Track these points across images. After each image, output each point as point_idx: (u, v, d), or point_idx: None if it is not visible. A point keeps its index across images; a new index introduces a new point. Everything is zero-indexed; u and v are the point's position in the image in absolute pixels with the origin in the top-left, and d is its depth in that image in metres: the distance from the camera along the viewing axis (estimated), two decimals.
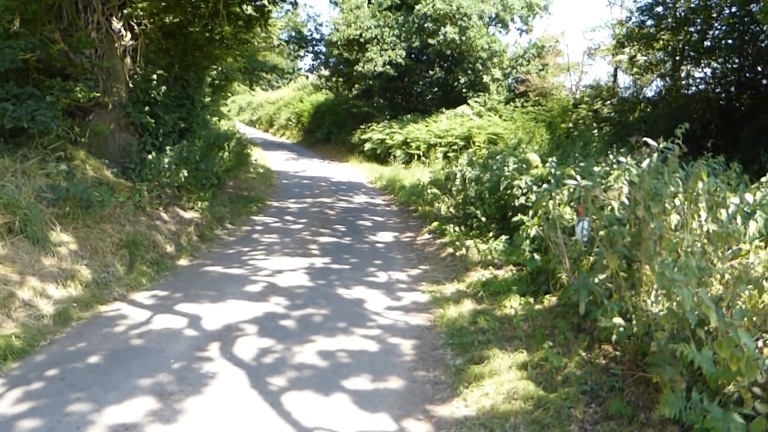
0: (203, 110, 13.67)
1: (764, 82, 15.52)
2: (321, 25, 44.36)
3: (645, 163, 5.28)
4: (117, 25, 9.22)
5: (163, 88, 10.15)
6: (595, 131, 17.40)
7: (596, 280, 4.44)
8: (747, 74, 15.75)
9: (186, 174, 9.69)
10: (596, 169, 7.47)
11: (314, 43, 29.69)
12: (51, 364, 4.47)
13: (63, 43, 8.06)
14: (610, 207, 4.57)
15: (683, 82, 18.18)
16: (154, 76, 9.91)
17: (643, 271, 3.93)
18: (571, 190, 6.11)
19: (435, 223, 10.37)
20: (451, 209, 11.27)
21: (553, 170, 7.40)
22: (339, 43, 24.37)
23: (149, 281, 6.82)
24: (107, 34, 9.05)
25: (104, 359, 4.58)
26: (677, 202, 4.25)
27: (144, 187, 8.58)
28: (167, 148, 9.93)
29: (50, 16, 8.32)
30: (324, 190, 15.86)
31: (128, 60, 9.75)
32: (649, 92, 19.75)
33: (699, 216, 4.33)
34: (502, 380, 4.03)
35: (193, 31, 11.97)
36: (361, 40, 23.47)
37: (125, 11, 9.32)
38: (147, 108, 9.78)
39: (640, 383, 3.57)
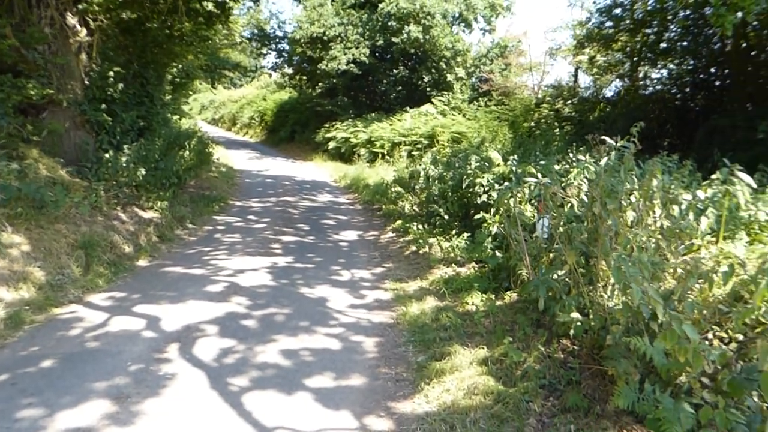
0: (163, 108, 13.45)
1: (717, 83, 16.00)
2: (284, 22, 44.09)
3: (603, 161, 5.40)
4: (71, 20, 8.99)
5: (121, 85, 9.94)
6: (557, 130, 17.69)
7: (555, 276, 4.52)
8: (701, 75, 16.22)
9: (144, 173, 9.50)
10: (556, 167, 7.61)
11: (277, 40, 29.43)
12: (1, 369, 4.32)
13: (14, 39, 7.83)
14: (569, 204, 4.64)
15: (641, 82, 18.62)
16: (111, 73, 9.71)
17: (599, 266, 4.00)
18: (532, 188, 6.22)
19: (399, 222, 10.39)
20: (415, 207, 11.31)
21: (514, 168, 7.49)
22: (302, 41, 24.21)
23: (106, 282, 6.66)
24: (61, 29, 8.81)
25: (58, 363, 4.45)
26: (633, 199, 4.35)
27: (101, 186, 8.37)
28: (125, 146, 9.73)
29: (1, 10, 8.06)
30: (287, 189, 15.75)
31: (84, 56, 9.52)
32: (609, 92, 20.18)
33: (654, 212, 4.43)
34: (463, 376, 4.06)
35: (152, 27, 11.76)
36: (325, 38, 23.37)
37: (80, 6, 9.10)
38: (104, 106, 9.57)
39: (597, 376, 3.64)
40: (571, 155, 7.87)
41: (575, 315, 3.86)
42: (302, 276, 7.24)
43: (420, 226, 9.38)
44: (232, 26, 18.33)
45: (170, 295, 6.23)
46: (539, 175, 6.05)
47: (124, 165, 9.19)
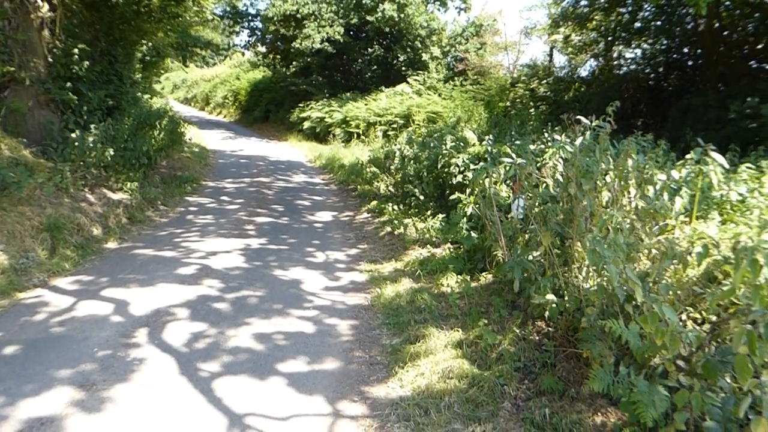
0: (133, 87, 13.11)
1: (690, 63, 16.10)
2: (256, 1, 43.28)
3: (578, 141, 5.36)
4: None
5: (87, 63, 9.63)
6: (532, 110, 17.70)
7: (530, 258, 4.49)
8: (674, 55, 16.31)
9: (113, 153, 9.25)
10: (531, 147, 7.57)
11: (250, 18, 28.87)
12: None
13: None
14: (544, 185, 4.60)
15: (615, 62, 18.69)
16: (76, 51, 9.38)
17: (574, 247, 3.97)
18: (507, 168, 6.17)
19: (374, 202, 10.31)
20: (390, 188, 11.23)
21: (489, 148, 7.43)
22: (275, 18, 23.78)
23: (73, 266, 6.48)
24: (21, 4, 8.45)
25: (21, 350, 4.31)
26: (608, 179, 4.32)
27: (66, 167, 8.12)
28: (92, 126, 9.46)
29: None
30: (262, 170, 15.53)
31: (46, 33, 9.17)
32: (583, 72, 20.22)
33: (629, 193, 4.41)
34: (438, 359, 4.02)
35: (119, 3, 11.38)
36: (298, 15, 22.98)
37: None
38: (69, 84, 9.26)
39: (572, 359, 3.62)
40: (546, 135, 7.85)
41: (550, 297, 3.83)
42: (276, 258, 7.14)
43: (395, 207, 9.30)
44: (202, 2, 17.91)
45: (140, 279, 6.08)
46: (514, 156, 6.02)
47: (92, 145, 8.92)
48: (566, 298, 3.97)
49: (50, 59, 9.21)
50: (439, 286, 5.62)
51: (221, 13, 28.28)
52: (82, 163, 8.67)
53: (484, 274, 5.66)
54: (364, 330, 4.94)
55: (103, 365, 4.08)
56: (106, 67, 10.95)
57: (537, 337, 4.06)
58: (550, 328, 4.08)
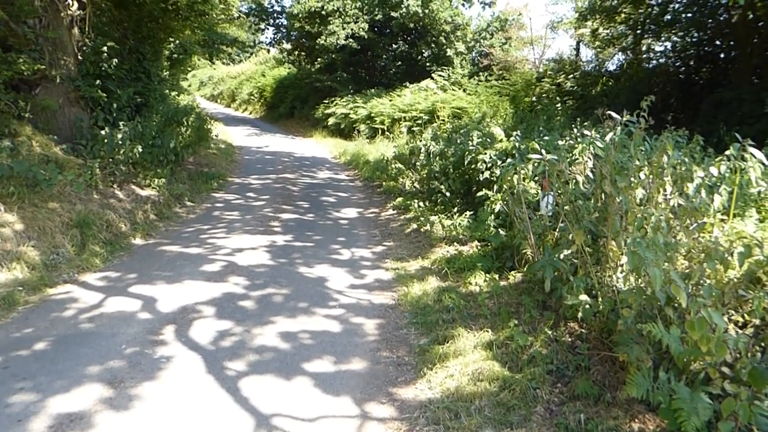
0: (161, 84, 13.23)
1: (722, 56, 15.72)
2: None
3: (609, 137, 5.23)
4: None
5: (116, 60, 9.72)
6: (558, 105, 17.46)
7: (561, 256, 4.38)
8: (706, 48, 15.93)
9: (141, 150, 9.32)
10: (560, 142, 7.43)
11: (275, 15, 28.97)
12: None
13: (2, 12, 7.59)
14: (575, 181, 4.48)
15: (644, 55, 18.33)
16: (105, 48, 9.47)
17: (609, 246, 3.85)
18: (536, 164, 6.05)
19: (399, 199, 10.24)
20: (416, 184, 11.15)
21: (517, 144, 7.31)
22: (300, 15, 23.81)
23: (102, 262, 6.54)
24: (52, 2, 8.55)
25: (51, 346, 4.34)
26: (642, 175, 4.19)
27: (96, 164, 8.20)
28: (121, 123, 9.55)
29: None
30: (287, 166, 15.56)
31: (76, 31, 9.27)
32: (611, 66, 19.90)
33: (664, 190, 4.28)
34: (467, 361, 3.94)
35: (147, 1, 11.47)
36: (323, 12, 22.98)
37: None
38: (98, 82, 9.36)
39: (606, 362, 3.51)
40: (575, 130, 7.69)
41: (584, 297, 3.73)
42: (301, 255, 7.11)
43: (421, 204, 9.23)
44: (229, 0, 17.99)
45: (167, 275, 6.10)
46: (543, 151, 5.90)
47: (120, 142, 9.00)
48: (600, 299, 3.86)
49: (80, 57, 9.31)
50: (467, 284, 5.53)
51: (247, 11, 28.40)
52: (110, 159, 8.75)
53: (513, 272, 5.55)
54: (391, 329, 4.88)
55: (131, 362, 4.08)
56: (134, 64, 11.05)
57: (569, 339, 3.95)
58: (583, 330, 3.96)
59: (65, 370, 3.93)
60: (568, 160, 5.59)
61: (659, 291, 2.82)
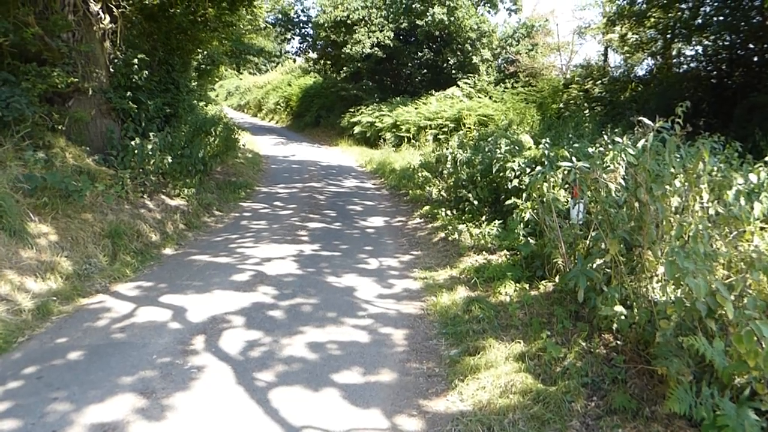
0: (189, 95, 13.40)
1: (755, 59, 15.39)
2: (308, 9, 43.85)
3: (640, 143, 5.13)
4: (95, 7, 8.90)
5: (146, 72, 9.86)
6: (586, 111, 17.26)
7: (594, 266, 4.30)
8: (738, 51, 15.61)
9: (171, 160, 9.44)
10: (590, 149, 7.32)
11: (301, 25, 29.28)
12: (28, 361, 4.27)
13: (38, 27, 7.76)
14: (608, 189, 4.39)
15: (674, 60, 18.04)
16: (136, 60, 9.61)
17: (645, 256, 3.76)
18: (566, 172, 5.96)
19: (426, 207, 10.20)
20: (443, 193, 11.09)
21: (546, 152, 7.22)
22: (326, 25, 24.00)
23: (133, 272, 6.61)
24: (84, 16, 8.72)
25: (85, 356, 4.38)
26: (677, 183, 4.10)
27: (127, 174, 8.32)
28: (151, 134, 9.67)
29: None
30: (313, 175, 15.63)
31: (108, 44, 9.45)
32: (640, 71, 19.62)
33: (701, 198, 4.17)
34: (499, 372, 3.87)
35: (176, 13, 11.65)
36: (349, 21, 23.13)
37: None
38: (129, 93, 9.50)
39: (644, 375, 3.42)
40: (605, 137, 7.58)
41: (619, 308, 3.64)
42: (329, 264, 7.11)
43: (448, 212, 9.17)
44: (256, 11, 18.21)
45: (196, 285, 6.15)
46: (574, 159, 5.81)
47: (150, 152, 9.12)
48: (635, 310, 3.77)
49: (111, 69, 9.47)
50: (496, 294, 5.45)
51: (273, 21, 28.74)
52: (141, 170, 8.87)
53: (543, 282, 5.47)
54: (420, 340, 4.83)
55: (162, 372, 4.11)
56: (163, 75, 11.21)
57: (604, 351, 3.86)
58: (618, 342, 3.87)
59: (98, 380, 3.97)
60: (601, 167, 5.51)
61: (700, 302, 2.74)
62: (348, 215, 10.50)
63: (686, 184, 4.16)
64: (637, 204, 3.91)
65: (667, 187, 3.75)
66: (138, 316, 5.22)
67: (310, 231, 9.03)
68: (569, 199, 5.86)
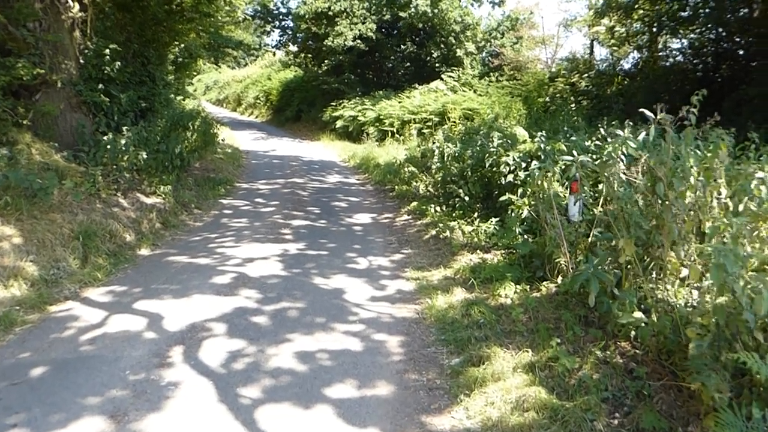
0: (165, 89, 12.90)
1: (741, 53, 15.29)
2: (287, 1, 43.22)
3: (641, 136, 4.86)
4: None
5: (118, 64, 9.36)
6: (573, 105, 17.07)
7: (603, 267, 3.98)
8: (724, 44, 15.50)
9: (146, 156, 8.97)
10: (587, 143, 7.03)
11: (281, 17, 28.67)
12: None
13: (1, 16, 7.27)
14: (626, 185, 4.05)
15: (660, 54, 17.89)
16: (107, 51, 9.12)
17: (667, 257, 3.45)
18: (564, 167, 5.65)
19: (414, 203, 9.86)
20: (430, 188, 10.77)
21: (542, 145, 6.91)
22: (307, 16, 23.49)
23: (105, 275, 6.17)
24: (52, 4, 8.22)
25: (49, 372, 3.97)
26: (691, 179, 3.79)
27: (98, 171, 7.84)
28: (125, 128, 9.20)
29: None
30: (295, 170, 15.21)
31: (77, 34, 8.95)
32: (626, 65, 19.44)
33: (718, 193, 3.88)
34: (508, 386, 3.53)
35: (150, 3, 11.15)
36: (330, 13, 22.65)
37: None
38: (100, 86, 9.04)
39: (670, 389, 3.11)
40: (602, 130, 7.29)
41: (638, 315, 3.32)
42: (315, 264, 6.73)
43: (438, 209, 8.84)
44: (234, 2, 17.70)
45: (174, 289, 5.74)
46: (574, 153, 5.50)
47: (124, 148, 8.64)
48: (654, 315, 3.46)
49: (81, 61, 8.98)
50: (496, 297, 5.11)
51: (252, 13, 28.14)
52: (114, 166, 8.40)
53: (545, 283, 5.15)
54: (417, 347, 4.48)
55: (135, 391, 3.71)
56: (138, 68, 10.72)
57: (621, 361, 3.54)
58: (636, 351, 3.55)
59: (63, 402, 3.56)
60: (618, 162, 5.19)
61: (748, 312, 2.43)
62: (333, 212, 10.12)
63: (701, 178, 3.86)
64: (656, 201, 3.59)
65: (691, 181, 3.44)
66: (110, 326, 4.81)
67: (294, 229, 8.64)
68: (567, 195, 5.56)
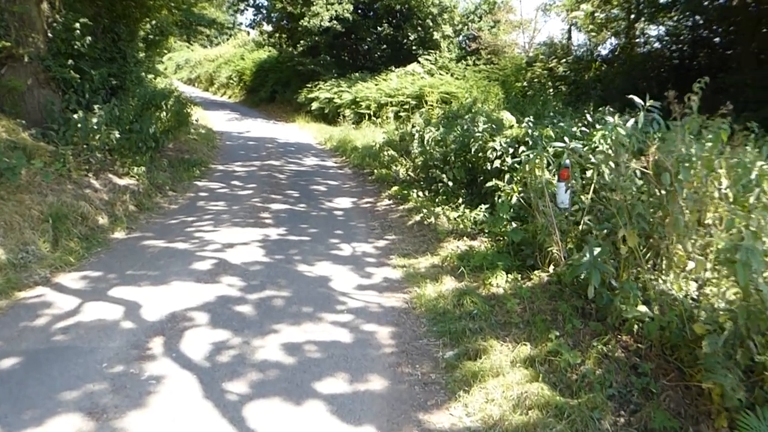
0: (137, 66, 12.47)
1: (716, 40, 15.41)
2: None
3: (630, 123, 4.78)
4: None
5: (89, 39, 8.93)
6: (551, 90, 17.03)
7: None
8: (701, 32, 15.59)
9: (118, 136, 8.62)
10: (574, 129, 6.94)
11: None
12: None
13: None
14: (637, 174, 3.93)
15: (637, 40, 17.94)
16: (77, 25, 8.68)
17: (674, 249, 3.35)
18: (557, 152, 5.55)
19: (395, 188, 9.68)
20: (411, 172, 10.60)
21: (530, 131, 6.78)
22: None
23: (78, 260, 5.89)
24: None
25: (20, 364, 3.73)
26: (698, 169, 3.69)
27: (69, 150, 7.50)
28: (96, 106, 8.81)
29: None
30: (271, 152, 14.89)
31: (45, 6, 8.50)
32: (603, 51, 19.47)
33: (719, 183, 3.79)
34: (508, 381, 3.41)
35: None
36: None
37: None
38: (70, 62, 8.61)
39: (677, 386, 3.02)
40: (588, 116, 7.21)
41: (643, 309, 3.23)
42: (298, 250, 6.54)
43: (420, 194, 8.69)
44: None
45: (152, 275, 5.49)
46: (566, 139, 5.39)
47: (95, 127, 8.28)
48: (655, 309, 3.37)
49: (50, 34, 8.54)
50: (487, 286, 4.99)
51: None
52: (85, 146, 8.04)
53: (536, 272, 5.04)
54: (409, 339, 4.33)
55: (114, 385, 3.50)
56: (108, 44, 10.29)
57: (623, 354, 3.44)
58: (639, 345, 3.46)
59: (36, 397, 3.34)
60: (623, 149, 5.09)
61: None
62: (312, 196, 9.90)
63: (700, 168, 3.76)
64: (660, 191, 3.48)
65: (697, 171, 3.33)
66: (84, 314, 4.57)
67: (274, 213, 8.40)
68: (556, 182, 5.44)
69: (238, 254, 6.24)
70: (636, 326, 3.38)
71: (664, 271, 3.55)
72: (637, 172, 4.04)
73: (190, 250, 6.34)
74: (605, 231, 4.29)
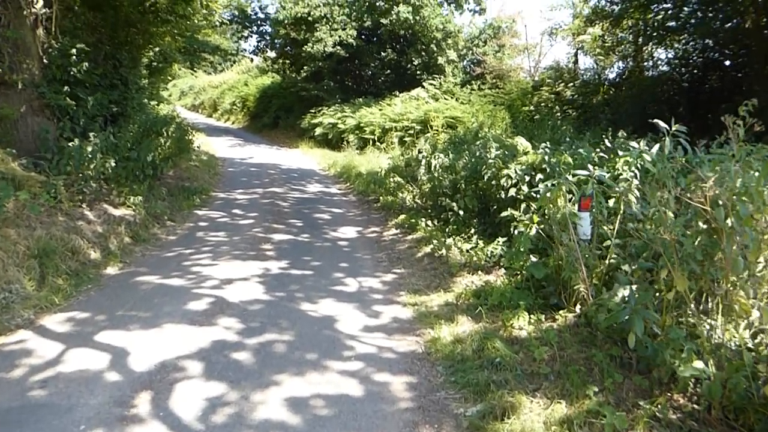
0: (139, 93, 12.23)
1: (727, 63, 15.13)
2: (265, 6, 42.59)
3: (655, 149, 4.43)
4: None
5: (86, 65, 8.65)
6: (559, 114, 16.76)
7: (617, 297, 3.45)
8: (713, 55, 15.31)
9: (114, 164, 8.28)
10: (593, 155, 6.56)
11: (258, 23, 28.06)
12: None
13: None
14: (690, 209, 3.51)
15: (645, 63, 17.70)
16: (74, 51, 8.41)
17: (735, 297, 2.93)
18: (580, 180, 5.17)
19: (402, 216, 9.30)
20: (418, 199, 10.24)
21: (547, 158, 6.39)
22: (286, 21, 22.92)
23: (64, 299, 5.48)
24: None
25: None
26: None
27: (60, 180, 7.14)
28: (92, 134, 8.49)
29: None
30: (274, 179, 14.56)
31: (41, 31, 8.25)
32: (611, 74, 19.24)
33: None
34: None
35: (124, 3, 10.47)
36: (310, 18, 22.10)
37: None
38: (66, 88, 8.32)
39: None
40: (607, 141, 6.83)
41: (699, 365, 2.79)
42: (301, 286, 6.12)
43: (429, 223, 8.29)
44: (211, 5, 17.06)
45: (142, 317, 5.07)
46: (590, 167, 5.00)
47: (90, 155, 7.95)
48: (710, 364, 2.93)
49: (45, 61, 8.26)
50: (508, 328, 4.55)
51: (230, 18, 27.49)
52: (80, 175, 7.71)
53: (561, 312, 4.61)
54: (425, 391, 3.88)
55: None
56: (109, 71, 10.03)
57: (676, 417, 3.00)
58: (695, 406, 3.01)
59: None
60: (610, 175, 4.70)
61: None
62: (316, 225, 9.51)
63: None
64: (707, 227, 3.08)
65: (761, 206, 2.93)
66: (66, 363, 4.14)
67: (276, 244, 8.01)
68: (577, 212, 5.03)
69: (236, 291, 5.83)
70: (691, 384, 2.95)
71: (713, 317, 3.13)
72: (671, 204, 3.65)
73: (185, 287, 5.93)
74: (643, 270, 3.86)
